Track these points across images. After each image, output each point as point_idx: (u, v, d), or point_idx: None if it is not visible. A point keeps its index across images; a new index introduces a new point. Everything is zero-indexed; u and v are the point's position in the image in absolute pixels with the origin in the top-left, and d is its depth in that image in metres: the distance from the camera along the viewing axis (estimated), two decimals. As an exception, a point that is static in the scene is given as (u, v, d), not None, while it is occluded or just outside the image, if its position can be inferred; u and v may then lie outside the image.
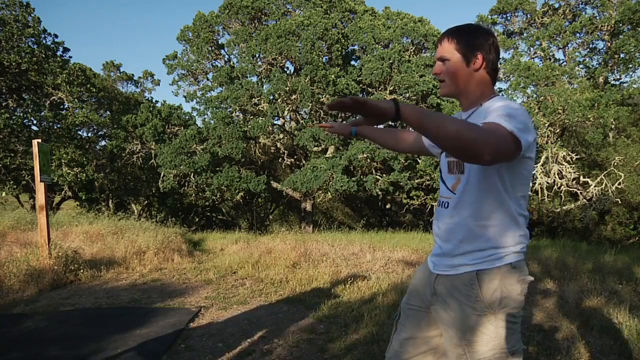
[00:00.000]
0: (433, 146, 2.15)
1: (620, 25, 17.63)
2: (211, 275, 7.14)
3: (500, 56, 16.26)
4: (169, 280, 6.87)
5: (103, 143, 22.72)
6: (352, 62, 20.39)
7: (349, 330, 4.29)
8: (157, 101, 22.29)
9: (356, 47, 20.31)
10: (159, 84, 27.70)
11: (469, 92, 1.85)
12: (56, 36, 16.98)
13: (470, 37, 1.82)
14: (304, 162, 20.69)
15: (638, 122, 20.44)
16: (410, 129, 1.69)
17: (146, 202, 25.65)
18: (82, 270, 6.93)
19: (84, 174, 19.10)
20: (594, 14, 19.44)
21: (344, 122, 2.47)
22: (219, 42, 20.69)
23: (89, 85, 18.40)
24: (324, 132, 17.98)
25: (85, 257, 7.53)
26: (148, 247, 8.48)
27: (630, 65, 18.03)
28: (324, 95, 18.23)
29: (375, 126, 1.76)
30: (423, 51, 20.00)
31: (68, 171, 18.54)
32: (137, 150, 20.29)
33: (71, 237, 8.82)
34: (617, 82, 19.66)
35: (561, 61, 20.59)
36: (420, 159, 18.61)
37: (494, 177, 1.71)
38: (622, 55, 17.94)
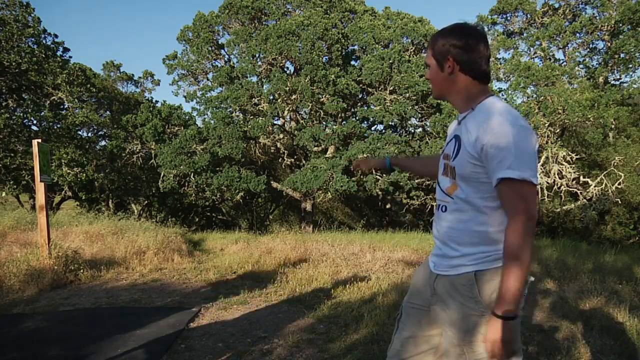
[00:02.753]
0: None
1: (620, 25, 17.64)
2: (211, 275, 7.14)
3: (500, 56, 15.97)
4: (169, 280, 6.87)
5: (103, 143, 22.73)
6: (352, 62, 20.38)
7: (349, 330, 4.29)
8: (157, 101, 22.29)
9: (356, 47, 20.31)
10: (159, 84, 27.71)
11: (452, 96, 1.88)
12: (56, 36, 16.99)
13: (440, 42, 1.82)
14: (304, 162, 20.69)
15: (638, 122, 20.45)
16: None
17: (146, 202, 25.66)
18: (82, 270, 6.92)
19: (84, 174, 19.12)
20: (594, 14, 19.48)
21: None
22: (219, 42, 20.69)
23: (89, 85, 18.39)
24: (324, 132, 18.02)
25: (85, 257, 7.53)
26: (148, 247, 8.47)
27: (630, 65, 18.04)
28: (324, 95, 18.23)
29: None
30: (423, 51, 19.98)
31: (68, 171, 18.55)
32: (137, 150, 20.30)
33: (71, 237, 8.81)
34: (617, 82, 19.67)
35: (561, 61, 20.60)
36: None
37: (487, 185, 1.71)
38: (622, 55, 17.94)
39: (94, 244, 8.56)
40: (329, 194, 20.37)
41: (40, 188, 6.93)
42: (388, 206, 27.62)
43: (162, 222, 15.50)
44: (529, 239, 1.60)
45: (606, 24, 18.45)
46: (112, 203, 23.79)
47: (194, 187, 19.93)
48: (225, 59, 21.11)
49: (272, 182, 20.69)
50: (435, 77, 1.87)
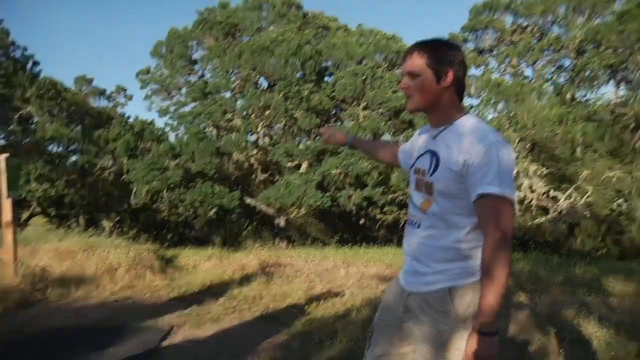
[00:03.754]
0: (406, 164, 2.15)
1: (584, 44, 18.16)
2: (184, 293, 7.04)
3: (472, 73, 16.33)
4: (141, 298, 6.74)
5: (74, 158, 22.33)
6: (326, 78, 20.49)
7: (323, 347, 4.26)
8: (129, 116, 22.05)
9: (330, 64, 20.43)
10: (131, 99, 27.40)
11: (437, 109, 1.84)
12: (25, 49, 16.71)
13: (442, 53, 1.78)
14: (277, 177, 20.65)
15: (604, 137, 20.94)
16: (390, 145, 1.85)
17: (118, 218, 25.22)
18: (50, 289, 6.75)
19: (54, 190, 18.73)
20: (560, 33, 20.02)
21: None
22: (193, 58, 20.63)
23: (59, 100, 18.10)
24: (297, 148, 18.03)
25: (54, 275, 7.34)
26: (119, 264, 8.28)
27: (595, 83, 18.55)
28: (297, 111, 18.27)
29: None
30: (396, 67, 20.21)
31: (37, 187, 18.16)
32: (109, 166, 20.00)
33: (39, 254, 8.57)
34: (584, 99, 20.19)
35: (530, 78, 21.10)
36: (394, 173, 18.74)
37: (465, 201, 1.71)
38: (587, 73, 18.45)
39: (64, 262, 8.34)
40: (303, 209, 20.33)
41: (6, 204, 6.76)
42: (362, 222, 27.67)
43: (134, 238, 15.26)
44: (506, 256, 1.61)
45: (571, 42, 18.98)
46: (83, 219, 23.33)
47: (166, 203, 19.69)
48: (199, 74, 21.03)
49: (245, 198, 20.57)
50: (426, 89, 1.80)
